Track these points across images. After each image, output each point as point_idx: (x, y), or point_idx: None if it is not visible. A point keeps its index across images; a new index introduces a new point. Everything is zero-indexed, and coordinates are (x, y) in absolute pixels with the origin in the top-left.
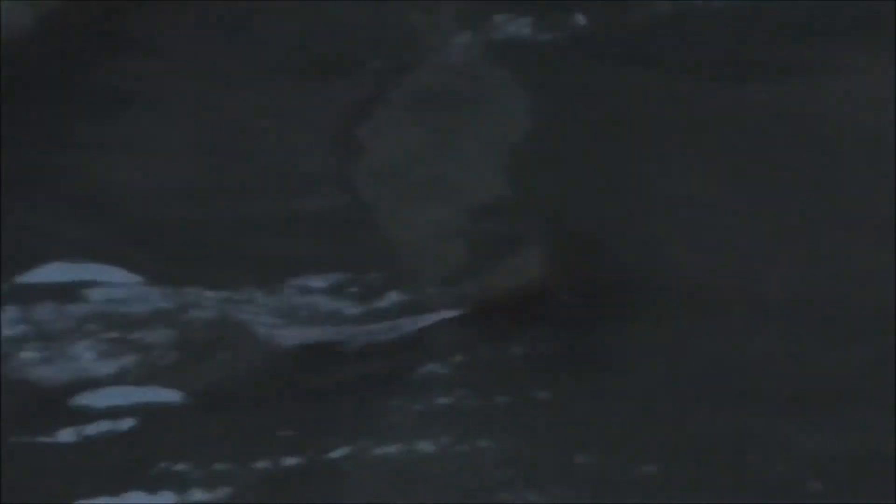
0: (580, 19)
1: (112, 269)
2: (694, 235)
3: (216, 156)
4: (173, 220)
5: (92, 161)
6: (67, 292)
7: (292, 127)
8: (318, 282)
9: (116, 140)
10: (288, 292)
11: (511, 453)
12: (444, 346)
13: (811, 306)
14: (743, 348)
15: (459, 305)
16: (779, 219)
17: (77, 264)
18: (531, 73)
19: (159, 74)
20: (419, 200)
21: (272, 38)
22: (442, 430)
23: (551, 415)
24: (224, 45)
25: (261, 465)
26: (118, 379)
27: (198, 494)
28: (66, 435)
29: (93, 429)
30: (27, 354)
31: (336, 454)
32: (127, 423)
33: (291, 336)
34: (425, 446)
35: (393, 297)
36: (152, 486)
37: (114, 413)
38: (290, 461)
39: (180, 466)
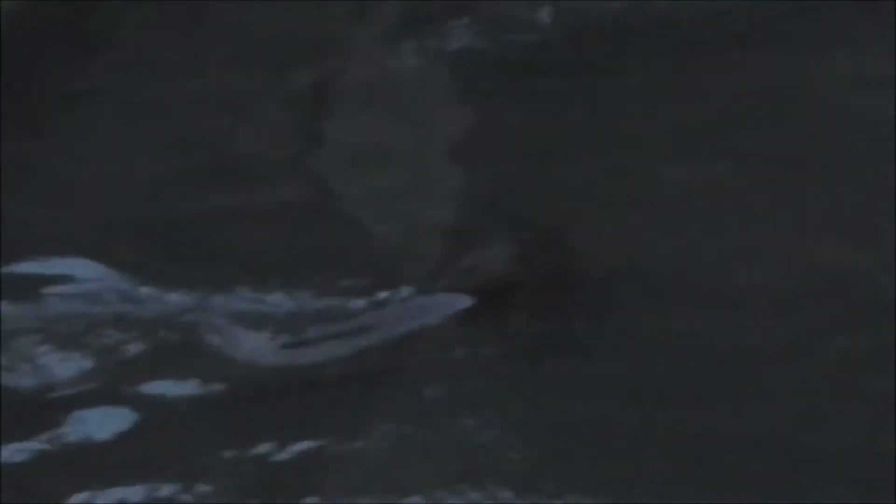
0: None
1: (82, 262)
2: (670, 226)
3: (181, 149)
4: (143, 213)
5: (56, 155)
6: (37, 287)
7: (252, 119)
8: (289, 278)
9: (79, 136)
10: (258, 290)
11: (492, 444)
12: (418, 340)
13: (794, 297)
14: (719, 339)
15: (432, 299)
16: (761, 206)
17: (48, 258)
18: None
19: (118, 71)
20: (383, 195)
21: (227, 35)
22: (423, 423)
23: (530, 405)
24: (181, 41)
25: (250, 459)
26: (85, 380)
27: (197, 490)
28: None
29: (68, 430)
30: None
31: (310, 449)
32: (115, 424)
33: (269, 352)
34: (408, 438)
35: (364, 291)
36: (144, 486)
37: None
38: (277, 455)
39: (178, 465)
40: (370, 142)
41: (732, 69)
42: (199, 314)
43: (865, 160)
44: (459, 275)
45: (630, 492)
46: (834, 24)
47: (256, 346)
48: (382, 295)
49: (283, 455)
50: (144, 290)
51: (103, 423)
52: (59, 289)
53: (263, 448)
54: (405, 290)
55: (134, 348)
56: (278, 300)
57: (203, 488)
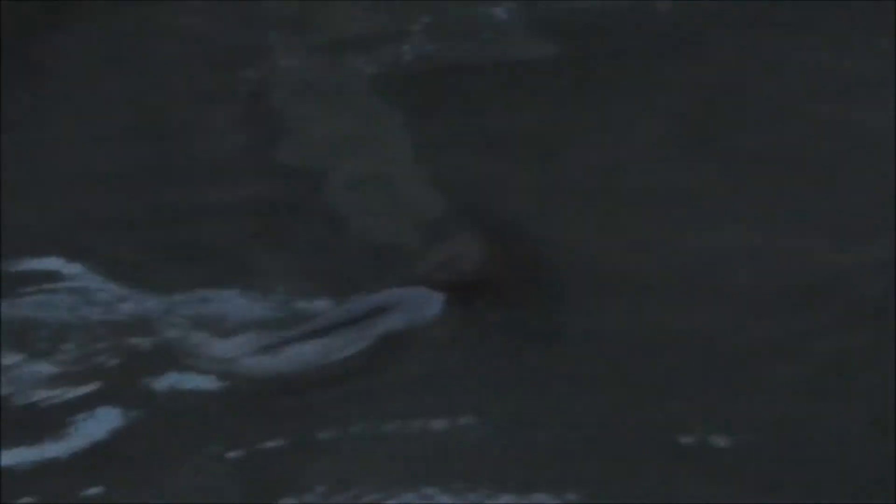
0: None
1: (54, 260)
2: (666, 224)
3: (144, 143)
4: (111, 208)
5: (18, 149)
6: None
7: (208, 113)
8: (262, 277)
9: (38, 134)
10: (231, 290)
11: (469, 440)
12: (392, 336)
13: (793, 297)
14: (717, 338)
15: (405, 294)
16: (760, 206)
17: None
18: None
19: (75, 68)
20: (346, 190)
21: (177, 33)
22: (398, 421)
23: (509, 394)
24: (135, 39)
25: (225, 461)
26: (64, 381)
27: (170, 491)
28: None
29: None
30: None
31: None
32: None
33: (246, 354)
34: (383, 437)
35: (336, 289)
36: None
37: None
38: (253, 456)
39: (155, 466)
40: (327, 137)
41: (732, 69)
42: (173, 316)
43: (864, 160)
44: (432, 270)
45: (628, 491)
46: (834, 26)
47: (234, 348)
48: (354, 292)
49: (260, 456)
50: (116, 290)
51: (102, 424)
52: (28, 288)
53: (239, 450)
54: (377, 287)
55: (110, 351)
56: (252, 300)
57: (174, 489)
